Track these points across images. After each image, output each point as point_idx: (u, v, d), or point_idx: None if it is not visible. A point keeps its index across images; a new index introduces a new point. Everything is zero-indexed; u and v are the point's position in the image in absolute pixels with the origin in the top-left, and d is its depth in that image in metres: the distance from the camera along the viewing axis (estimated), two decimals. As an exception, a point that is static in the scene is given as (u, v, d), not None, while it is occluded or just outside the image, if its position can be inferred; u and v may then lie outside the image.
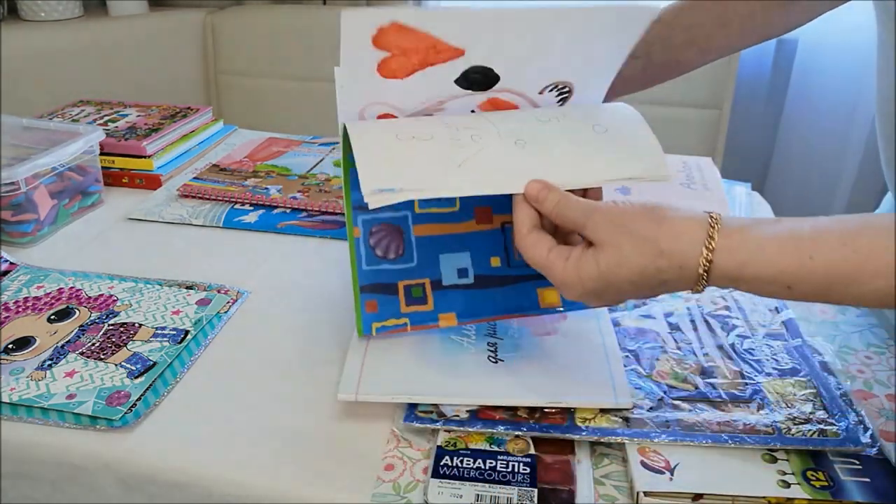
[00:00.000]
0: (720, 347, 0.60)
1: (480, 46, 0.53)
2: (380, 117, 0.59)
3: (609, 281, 0.48)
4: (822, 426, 0.51)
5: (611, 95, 0.67)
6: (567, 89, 0.59)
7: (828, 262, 0.43)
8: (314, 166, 0.96)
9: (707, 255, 0.45)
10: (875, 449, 0.50)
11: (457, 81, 0.56)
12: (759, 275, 0.45)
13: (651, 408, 0.53)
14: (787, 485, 0.47)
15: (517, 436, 0.52)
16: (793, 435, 0.50)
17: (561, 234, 0.54)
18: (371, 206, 0.50)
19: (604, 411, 0.53)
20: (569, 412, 0.53)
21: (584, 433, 0.51)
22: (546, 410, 0.53)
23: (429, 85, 0.56)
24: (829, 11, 0.72)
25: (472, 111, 0.59)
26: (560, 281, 0.50)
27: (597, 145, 0.55)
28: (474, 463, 0.49)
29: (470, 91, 0.57)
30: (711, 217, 0.46)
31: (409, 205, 0.62)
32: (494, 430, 0.52)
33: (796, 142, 1.64)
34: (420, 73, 0.54)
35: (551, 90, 0.59)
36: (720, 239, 0.45)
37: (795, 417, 0.52)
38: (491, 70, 0.55)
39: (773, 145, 1.67)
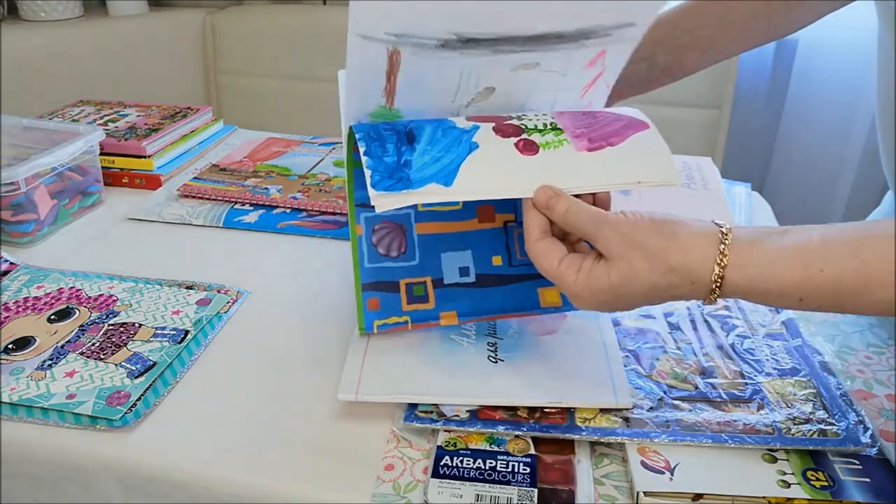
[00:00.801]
0: (720, 347, 0.60)
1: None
2: None
3: (620, 294, 0.48)
4: (822, 426, 0.51)
5: (614, 98, 0.67)
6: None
7: (837, 274, 0.44)
8: (314, 166, 0.96)
9: (719, 271, 0.46)
10: (875, 449, 0.50)
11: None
12: (771, 288, 0.45)
13: (651, 408, 0.53)
14: (787, 485, 0.47)
15: (517, 436, 0.52)
16: (793, 435, 0.50)
17: (569, 240, 0.54)
18: (378, 210, 0.50)
19: (604, 411, 0.53)
20: (569, 412, 0.53)
21: (584, 433, 0.51)
22: (546, 410, 0.53)
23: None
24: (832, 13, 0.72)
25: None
26: (572, 293, 0.50)
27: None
28: (474, 463, 0.49)
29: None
30: (722, 232, 0.47)
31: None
32: (494, 430, 0.52)
33: (796, 142, 1.64)
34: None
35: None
36: (731, 255, 0.46)
37: (795, 417, 0.52)
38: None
39: (773, 145, 1.67)
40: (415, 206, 0.62)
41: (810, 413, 0.53)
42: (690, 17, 0.73)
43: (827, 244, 0.45)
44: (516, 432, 0.52)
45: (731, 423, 0.52)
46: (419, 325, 0.60)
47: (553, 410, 0.53)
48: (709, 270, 0.46)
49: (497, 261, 0.62)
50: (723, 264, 0.46)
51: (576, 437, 0.51)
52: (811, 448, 0.50)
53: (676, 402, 0.54)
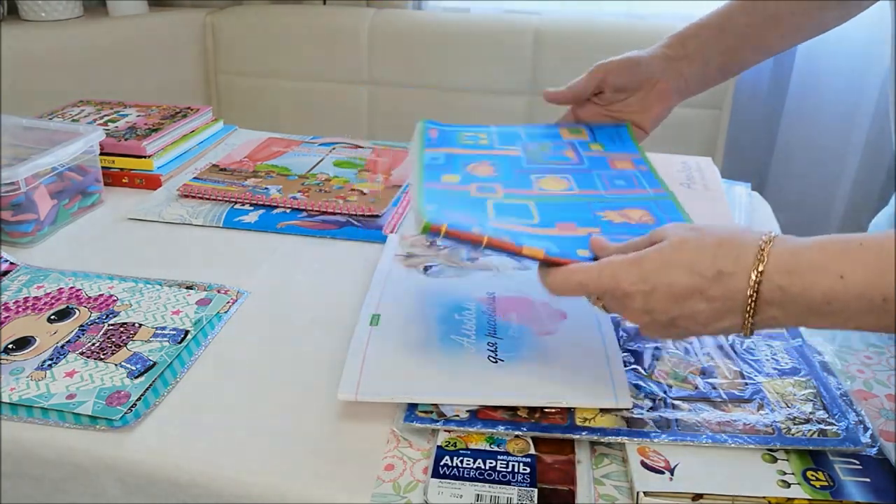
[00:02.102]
0: (720, 347, 0.60)
1: None
2: None
3: (666, 261, 0.48)
4: (822, 426, 0.51)
5: (675, 99, 0.75)
6: None
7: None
8: (314, 166, 0.96)
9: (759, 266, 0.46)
10: (875, 449, 0.50)
11: None
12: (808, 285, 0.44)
13: (651, 408, 0.53)
14: (787, 485, 0.47)
15: (517, 436, 0.52)
16: (793, 435, 0.50)
17: None
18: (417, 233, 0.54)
19: (604, 411, 0.53)
20: (569, 412, 0.53)
21: (584, 433, 0.51)
22: (546, 410, 0.53)
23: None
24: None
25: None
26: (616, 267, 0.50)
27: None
28: (474, 463, 0.49)
29: None
30: (763, 240, 0.47)
31: (483, 220, 0.59)
32: (494, 431, 0.52)
33: (796, 142, 1.64)
34: None
35: None
36: (772, 256, 0.46)
37: (795, 417, 0.52)
38: None
39: (773, 145, 1.67)
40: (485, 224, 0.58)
41: (810, 413, 0.53)
42: (739, 16, 0.74)
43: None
44: (516, 432, 0.52)
45: (731, 423, 0.52)
46: (497, 242, 0.53)
47: (553, 410, 0.53)
48: (751, 260, 0.46)
49: (583, 253, 0.56)
50: (763, 258, 0.45)
51: (576, 436, 0.51)
52: (811, 448, 0.50)
53: (676, 402, 0.54)
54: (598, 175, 0.69)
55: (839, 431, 0.51)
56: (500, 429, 0.52)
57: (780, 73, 1.62)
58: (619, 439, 0.51)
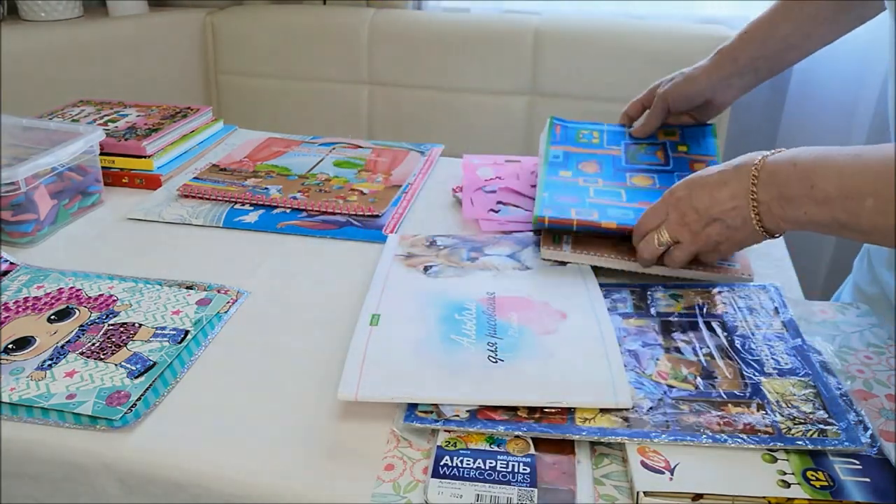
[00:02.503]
0: (720, 347, 0.60)
1: None
2: None
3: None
4: (821, 426, 0.51)
5: (730, 99, 0.85)
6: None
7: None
8: (314, 166, 0.96)
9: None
10: (875, 449, 0.50)
11: None
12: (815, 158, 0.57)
13: (651, 408, 0.53)
14: (787, 485, 0.47)
15: (517, 436, 0.52)
16: (792, 435, 0.50)
17: None
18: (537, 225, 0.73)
19: (604, 411, 0.53)
20: (569, 412, 0.53)
21: (584, 433, 0.51)
22: (546, 410, 0.53)
23: None
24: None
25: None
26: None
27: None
28: (474, 463, 0.49)
29: None
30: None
31: (584, 197, 0.78)
32: (494, 431, 0.52)
33: (796, 142, 1.63)
34: None
35: None
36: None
37: (795, 417, 0.52)
38: None
39: (774, 145, 1.67)
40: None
41: (810, 413, 0.53)
42: (781, 25, 0.79)
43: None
44: (516, 432, 0.52)
45: (730, 424, 0.52)
46: (585, 222, 0.72)
47: (553, 410, 0.53)
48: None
49: None
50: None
51: (576, 436, 0.51)
52: (811, 448, 0.50)
53: (676, 402, 0.54)
54: (678, 175, 0.82)
55: (839, 431, 0.51)
56: (500, 429, 0.52)
57: (780, 73, 1.62)
58: (618, 439, 0.51)
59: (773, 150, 0.61)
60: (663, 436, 0.51)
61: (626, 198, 0.78)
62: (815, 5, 0.75)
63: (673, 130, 0.91)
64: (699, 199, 0.63)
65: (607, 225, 0.71)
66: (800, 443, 0.50)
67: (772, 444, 0.50)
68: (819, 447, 0.50)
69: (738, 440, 0.50)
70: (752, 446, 0.50)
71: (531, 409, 0.54)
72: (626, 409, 0.53)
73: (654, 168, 0.85)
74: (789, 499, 0.46)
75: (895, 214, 0.51)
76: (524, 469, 0.49)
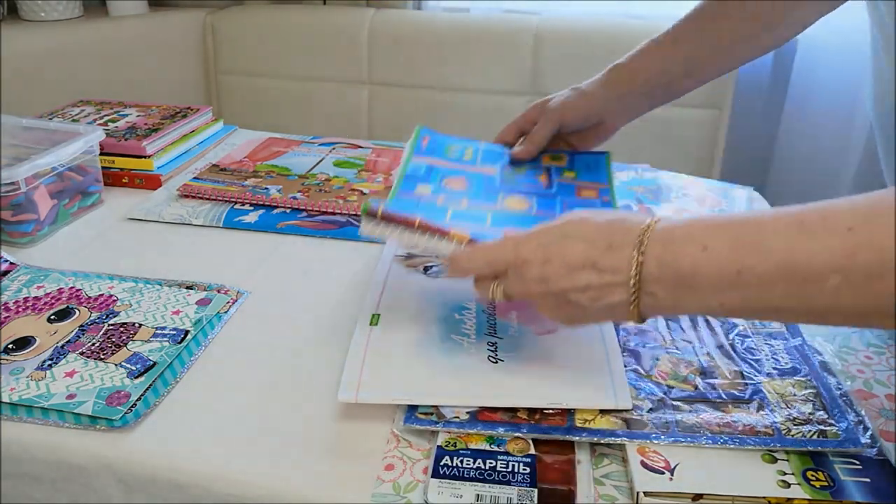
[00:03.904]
0: (720, 347, 0.60)
1: None
2: None
3: (563, 233, 0.50)
4: (821, 427, 0.51)
5: (611, 133, 0.78)
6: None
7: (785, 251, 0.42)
8: (314, 166, 0.96)
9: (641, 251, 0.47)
10: (875, 449, 0.50)
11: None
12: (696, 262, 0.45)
13: (651, 409, 0.53)
14: (787, 485, 0.47)
15: (517, 436, 0.52)
16: (792, 436, 0.50)
17: None
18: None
19: (604, 412, 0.53)
20: (569, 413, 0.53)
21: (584, 435, 0.51)
22: (546, 411, 0.53)
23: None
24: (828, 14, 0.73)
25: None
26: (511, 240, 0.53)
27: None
28: (474, 463, 0.49)
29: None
30: (653, 219, 0.48)
31: (441, 220, 0.62)
32: (494, 432, 0.52)
33: (796, 142, 1.64)
34: None
35: None
36: (650, 242, 0.47)
37: (795, 418, 0.52)
38: None
39: (773, 145, 1.67)
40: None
41: (810, 413, 0.53)
42: (683, 46, 0.76)
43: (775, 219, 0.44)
44: (516, 434, 0.52)
45: (730, 425, 0.52)
46: (429, 225, 0.58)
47: (553, 411, 0.53)
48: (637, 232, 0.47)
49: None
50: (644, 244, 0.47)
51: (575, 438, 0.51)
52: (811, 449, 0.50)
53: (676, 403, 0.54)
54: (561, 201, 0.72)
55: (839, 432, 0.51)
56: (500, 430, 0.52)
57: (779, 73, 1.62)
58: (618, 441, 0.51)
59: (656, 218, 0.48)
60: (663, 437, 0.50)
61: (490, 222, 0.66)
62: (714, 34, 0.73)
63: (560, 155, 0.80)
64: (558, 278, 0.50)
65: (457, 234, 0.57)
66: (800, 444, 0.50)
67: (771, 445, 0.50)
68: (819, 448, 0.50)
69: (738, 441, 0.50)
70: (752, 447, 0.50)
71: (531, 410, 0.53)
72: (626, 411, 0.53)
73: (534, 191, 0.73)
74: (789, 499, 0.46)
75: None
76: (524, 469, 0.49)
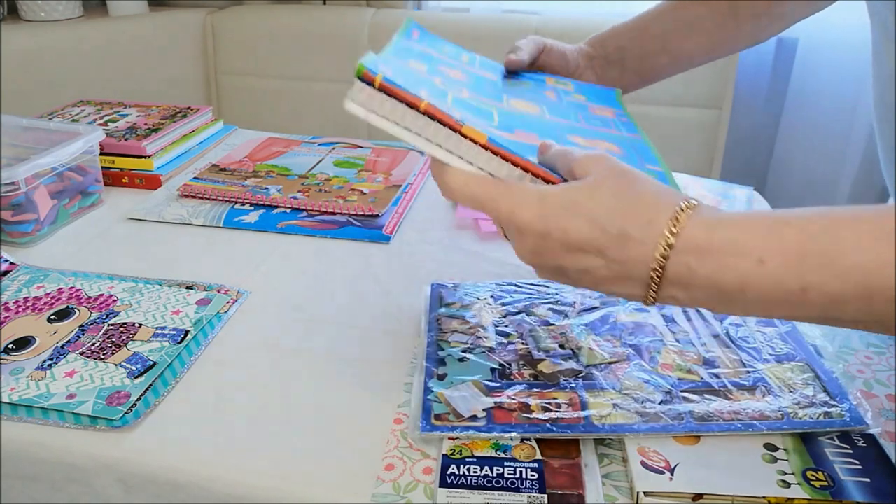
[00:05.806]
0: (716, 336, 0.61)
1: None
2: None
3: (573, 200, 0.43)
4: (826, 409, 0.52)
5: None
6: None
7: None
8: (314, 166, 0.96)
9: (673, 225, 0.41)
10: (878, 429, 0.51)
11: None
12: (734, 238, 0.39)
13: (662, 401, 0.53)
14: (787, 485, 0.47)
15: (523, 440, 0.51)
16: (801, 419, 0.51)
17: None
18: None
19: (618, 408, 0.53)
20: (585, 412, 0.53)
21: (603, 430, 0.51)
22: (561, 411, 0.53)
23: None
24: (827, 10, 0.72)
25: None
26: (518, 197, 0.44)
27: None
28: (481, 471, 0.49)
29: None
30: (681, 205, 0.42)
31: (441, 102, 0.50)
32: (510, 434, 0.51)
33: (796, 142, 1.64)
34: None
35: None
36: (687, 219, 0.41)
37: (800, 402, 0.53)
38: None
39: (773, 145, 1.67)
40: None
41: (813, 396, 0.53)
42: (658, 22, 0.75)
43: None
44: (534, 435, 0.51)
45: (740, 412, 0.52)
46: (435, 112, 0.46)
47: (569, 411, 0.52)
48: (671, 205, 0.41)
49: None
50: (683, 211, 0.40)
51: (593, 435, 0.50)
52: (822, 431, 0.50)
53: (686, 394, 0.54)
54: (575, 112, 0.62)
55: (843, 413, 0.51)
56: (516, 432, 0.51)
57: (779, 73, 1.62)
58: (638, 434, 0.50)
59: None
60: (678, 428, 0.50)
61: (498, 121, 0.52)
62: (692, 14, 0.72)
63: (565, 81, 0.71)
64: (554, 256, 0.44)
65: (471, 132, 0.45)
66: (810, 426, 0.50)
67: (783, 429, 0.50)
68: (828, 429, 0.50)
69: (751, 427, 0.50)
70: (765, 432, 0.50)
71: (546, 409, 0.53)
72: (639, 404, 0.53)
73: (543, 102, 0.62)
74: (789, 499, 0.46)
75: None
76: (532, 475, 0.48)
